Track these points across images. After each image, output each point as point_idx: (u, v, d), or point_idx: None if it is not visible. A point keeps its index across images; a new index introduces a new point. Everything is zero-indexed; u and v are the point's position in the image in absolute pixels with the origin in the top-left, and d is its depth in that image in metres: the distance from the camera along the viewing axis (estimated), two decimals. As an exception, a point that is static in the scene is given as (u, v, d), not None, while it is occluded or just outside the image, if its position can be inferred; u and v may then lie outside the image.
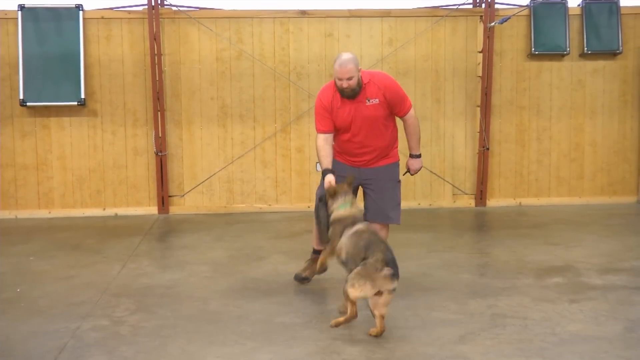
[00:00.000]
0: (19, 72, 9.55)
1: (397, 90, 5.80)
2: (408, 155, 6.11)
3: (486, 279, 6.39)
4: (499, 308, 5.42)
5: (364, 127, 5.74)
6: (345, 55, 5.60)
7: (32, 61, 9.56)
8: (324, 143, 5.74)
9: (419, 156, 6.07)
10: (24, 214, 9.87)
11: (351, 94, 5.64)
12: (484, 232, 9.08)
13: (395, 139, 5.98)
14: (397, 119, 6.00)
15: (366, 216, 5.67)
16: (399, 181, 6.00)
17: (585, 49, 10.10)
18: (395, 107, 5.80)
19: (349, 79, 5.54)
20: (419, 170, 6.15)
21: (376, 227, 5.65)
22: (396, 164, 5.99)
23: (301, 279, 6.13)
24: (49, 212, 9.90)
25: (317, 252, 6.03)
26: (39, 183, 9.90)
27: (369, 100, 5.69)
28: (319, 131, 5.79)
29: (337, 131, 5.83)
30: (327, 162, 5.67)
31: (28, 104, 9.59)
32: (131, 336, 4.91)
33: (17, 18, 9.55)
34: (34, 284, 6.33)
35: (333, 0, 10.13)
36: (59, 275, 6.65)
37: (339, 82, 5.60)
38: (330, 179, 5.53)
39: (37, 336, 4.95)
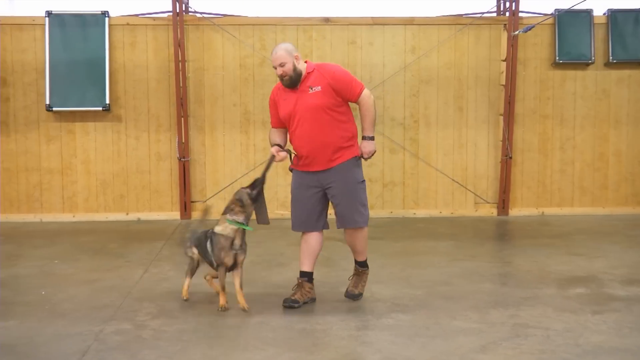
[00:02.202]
0: (45, 77, 9.67)
1: (342, 76, 5.62)
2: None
3: (508, 289, 6.36)
4: (521, 318, 5.39)
5: (306, 117, 5.59)
6: (279, 44, 5.68)
7: (59, 67, 9.67)
8: (275, 132, 5.88)
9: (371, 138, 5.68)
10: (48, 217, 9.97)
11: (289, 82, 5.58)
12: (506, 242, 9.04)
13: (348, 135, 5.67)
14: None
15: (336, 224, 5.80)
16: (362, 181, 5.75)
17: (611, 58, 10.05)
18: (343, 92, 5.58)
19: (281, 65, 5.51)
20: (371, 153, 5.71)
21: (347, 231, 5.81)
22: (352, 162, 5.68)
23: (291, 303, 5.73)
24: (73, 216, 10.00)
25: (304, 275, 5.88)
26: (63, 187, 10.00)
27: (311, 89, 5.57)
28: (271, 125, 5.92)
29: (287, 125, 5.76)
30: (275, 141, 5.81)
31: (54, 109, 9.70)
32: (153, 340, 4.94)
33: (44, 24, 9.68)
34: (58, 287, 6.39)
35: (356, 8, 10.15)
36: (82, 279, 6.71)
37: (275, 71, 5.62)
38: (274, 149, 5.72)
39: (61, 339, 5.00)
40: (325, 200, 5.77)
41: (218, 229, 5.62)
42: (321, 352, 4.71)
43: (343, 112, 5.65)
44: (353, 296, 5.86)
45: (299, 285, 5.83)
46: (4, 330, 5.18)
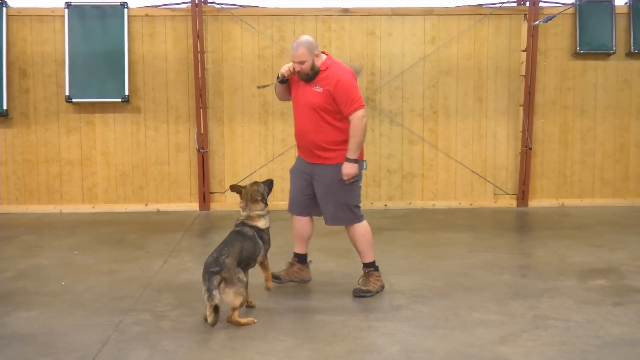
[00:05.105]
0: (65, 68, 9.71)
1: (347, 88, 5.53)
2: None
3: (528, 280, 6.33)
4: (541, 309, 5.37)
5: (304, 112, 5.70)
6: (301, 38, 5.62)
7: (78, 58, 9.71)
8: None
9: (354, 161, 5.59)
10: (68, 208, 10.03)
11: (304, 77, 5.62)
12: (526, 233, 8.99)
13: (338, 140, 5.63)
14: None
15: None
16: (353, 182, 5.67)
17: (632, 48, 9.92)
18: (339, 103, 5.54)
19: (301, 62, 5.54)
20: (351, 176, 5.61)
21: (347, 230, 5.91)
22: (339, 166, 5.63)
23: (273, 278, 5.83)
24: (93, 207, 10.06)
25: (295, 256, 6.13)
26: (83, 178, 10.06)
27: (315, 86, 5.60)
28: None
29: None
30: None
31: (73, 100, 9.74)
32: (173, 331, 4.97)
33: (64, 15, 9.71)
34: (78, 278, 6.44)
35: (375, -2, 10.13)
36: (102, 270, 6.75)
37: (294, 64, 5.63)
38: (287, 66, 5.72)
39: (81, 329, 5.04)
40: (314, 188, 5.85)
41: (262, 224, 5.51)
42: (340, 343, 4.72)
43: (339, 119, 5.62)
44: (360, 292, 5.75)
45: (289, 264, 6.10)
46: (25, 321, 5.22)
